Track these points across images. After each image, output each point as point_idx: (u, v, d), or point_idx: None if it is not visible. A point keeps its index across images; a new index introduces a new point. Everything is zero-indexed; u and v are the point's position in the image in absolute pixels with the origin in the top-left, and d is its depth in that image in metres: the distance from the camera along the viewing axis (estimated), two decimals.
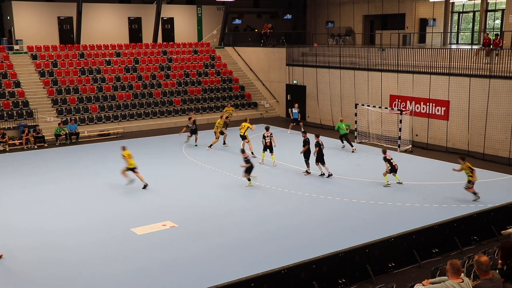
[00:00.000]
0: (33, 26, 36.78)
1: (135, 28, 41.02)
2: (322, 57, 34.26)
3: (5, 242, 14.97)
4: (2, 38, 36.23)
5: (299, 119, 31.18)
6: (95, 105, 33.26)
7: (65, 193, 19.72)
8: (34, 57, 35.12)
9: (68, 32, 38.03)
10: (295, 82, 35.98)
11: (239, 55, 41.75)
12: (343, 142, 26.63)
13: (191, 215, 17.15)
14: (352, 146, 26.09)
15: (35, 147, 28.10)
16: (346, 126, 26.25)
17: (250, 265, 13.19)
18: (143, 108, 34.44)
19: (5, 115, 30.20)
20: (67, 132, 29.35)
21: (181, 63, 39.27)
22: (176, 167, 23.54)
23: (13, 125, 29.60)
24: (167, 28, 42.39)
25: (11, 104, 30.95)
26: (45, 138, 28.98)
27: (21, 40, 35.96)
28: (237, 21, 47.03)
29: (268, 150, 23.53)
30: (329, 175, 21.15)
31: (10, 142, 28.01)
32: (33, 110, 30.98)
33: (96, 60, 36.57)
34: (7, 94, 31.51)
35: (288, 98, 34.77)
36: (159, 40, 41.04)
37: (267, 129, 23.96)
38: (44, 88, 33.33)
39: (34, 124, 29.61)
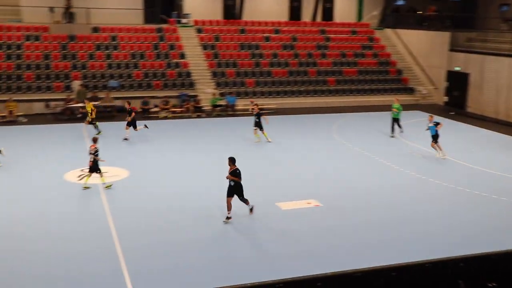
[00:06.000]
0: (200, 1, 38.69)
1: (295, 6, 41.31)
2: (491, 44, 31.72)
3: (140, 204, 16.03)
4: (173, 12, 38.54)
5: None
6: (251, 80, 34.24)
7: (216, 160, 20.54)
8: (199, 31, 36.98)
9: (232, 8, 39.42)
10: (457, 68, 33.85)
11: (398, 37, 40.22)
12: (399, 127, 25.58)
13: (336, 196, 16.99)
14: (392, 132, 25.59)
15: (194, 116, 29.75)
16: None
17: (395, 249, 12.83)
18: (297, 86, 34.73)
19: (169, 84, 32.31)
20: (220, 103, 30.53)
21: (339, 43, 38.84)
22: (325, 148, 23.42)
23: (176, 94, 31.55)
24: (327, 7, 42.09)
25: (175, 73, 33.01)
26: (203, 108, 30.53)
27: (189, 14, 38.01)
28: (400, 2, 45.18)
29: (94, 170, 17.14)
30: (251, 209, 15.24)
31: (172, 109, 29.92)
32: (195, 81, 32.76)
33: (256, 36, 37.52)
34: (172, 65, 33.64)
35: (447, 85, 32.96)
36: (318, 19, 40.94)
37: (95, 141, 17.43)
38: (205, 60, 35.00)
39: (194, 94, 31.34)
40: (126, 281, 11.34)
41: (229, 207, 14.47)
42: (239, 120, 28.93)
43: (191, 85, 32.54)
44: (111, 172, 18.79)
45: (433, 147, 21.78)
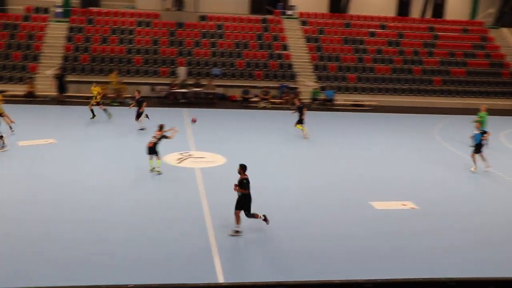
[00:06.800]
0: None
1: (404, 1, 40.05)
2: None
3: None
4: (279, 3, 38.66)
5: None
6: (353, 75, 33.64)
7: (316, 155, 20.43)
8: (303, 23, 36.85)
9: (338, 1, 38.92)
10: None
11: None
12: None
13: (434, 199, 16.28)
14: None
15: (293, 108, 29.73)
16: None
17: (492, 262, 12.08)
18: (400, 83, 33.70)
19: (270, 75, 32.50)
20: (322, 97, 30.35)
21: (448, 41, 37.17)
22: (425, 149, 22.51)
23: (276, 85, 31.70)
24: (438, 3, 40.42)
25: (277, 65, 33.15)
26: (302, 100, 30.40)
27: (295, 6, 37.97)
28: None
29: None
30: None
31: (272, 100, 30.12)
32: (296, 73, 32.74)
33: (361, 31, 36.80)
34: (274, 56, 33.79)
35: None
36: (428, 15, 39.44)
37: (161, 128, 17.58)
38: (308, 53, 34.83)
39: (295, 86, 31.36)
40: (217, 269, 11.52)
41: (237, 220, 12.86)
42: (337, 115, 28.60)
43: (292, 77, 32.55)
44: (208, 158, 19.24)
45: (472, 157, 19.08)
